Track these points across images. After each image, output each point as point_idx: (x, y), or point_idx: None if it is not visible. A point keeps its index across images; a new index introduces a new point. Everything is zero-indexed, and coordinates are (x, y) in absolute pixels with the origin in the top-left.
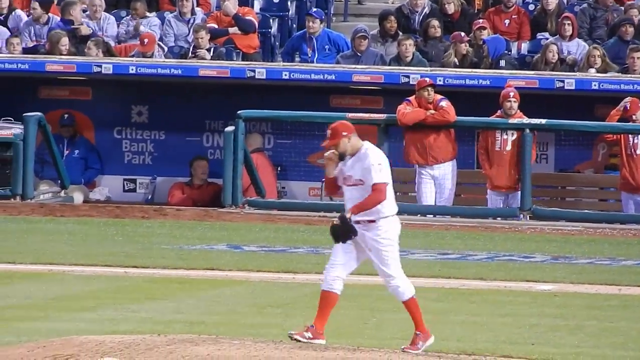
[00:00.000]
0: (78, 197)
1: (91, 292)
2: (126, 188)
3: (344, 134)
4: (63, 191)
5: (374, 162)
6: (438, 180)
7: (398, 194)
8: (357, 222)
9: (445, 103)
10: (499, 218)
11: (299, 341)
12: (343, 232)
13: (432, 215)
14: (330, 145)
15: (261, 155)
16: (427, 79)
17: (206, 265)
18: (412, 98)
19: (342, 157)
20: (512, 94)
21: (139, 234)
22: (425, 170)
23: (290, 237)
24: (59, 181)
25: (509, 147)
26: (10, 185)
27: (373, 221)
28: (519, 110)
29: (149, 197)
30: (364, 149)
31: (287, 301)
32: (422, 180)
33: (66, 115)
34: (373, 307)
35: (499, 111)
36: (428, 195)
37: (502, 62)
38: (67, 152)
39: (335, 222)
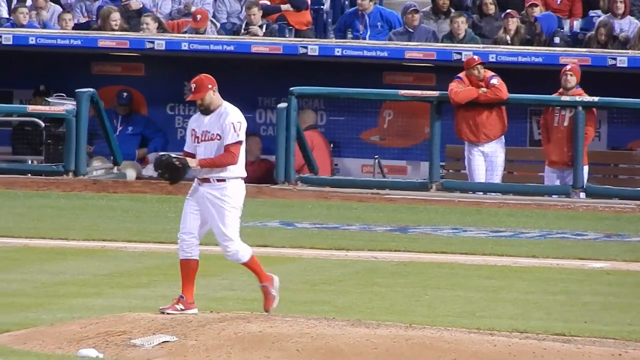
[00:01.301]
0: (131, 174)
1: (144, 269)
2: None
3: (210, 86)
4: (116, 167)
5: (234, 120)
6: (489, 157)
7: (450, 171)
8: (207, 180)
9: (496, 80)
10: (554, 196)
11: (172, 314)
12: (174, 174)
13: (482, 193)
14: (196, 99)
15: (315, 133)
16: (476, 57)
17: (259, 242)
18: (462, 75)
19: (206, 110)
20: (569, 67)
21: None
22: (476, 148)
23: (343, 214)
24: (112, 157)
25: (566, 123)
26: (63, 161)
27: (223, 180)
28: (579, 88)
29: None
30: (224, 107)
31: (339, 278)
32: (473, 158)
33: (125, 94)
34: (425, 285)
35: (560, 89)
36: (479, 172)
37: (557, 39)
38: (121, 128)
39: (174, 161)
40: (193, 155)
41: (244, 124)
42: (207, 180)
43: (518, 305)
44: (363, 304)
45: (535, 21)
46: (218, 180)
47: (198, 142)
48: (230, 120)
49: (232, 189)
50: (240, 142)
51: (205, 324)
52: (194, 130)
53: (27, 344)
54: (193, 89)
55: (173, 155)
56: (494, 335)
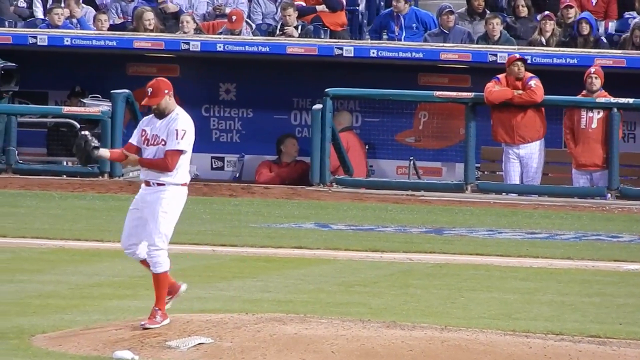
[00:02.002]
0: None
1: (179, 271)
2: (214, 166)
3: (166, 91)
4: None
5: (179, 127)
6: (524, 160)
7: (485, 172)
8: (148, 183)
9: (534, 82)
10: (597, 198)
11: (151, 328)
12: (88, 157)
13: (515, 194)
14: (152, 104)
15: (351, 134)
16: (518, 54)
17: (294, 244)
18: (501, 76)
19: (160, 115)
20: (593, 70)
21: (226, 212)
22: (511, 149)
23: (378, 216)
24: None
25: (594, 125)
26: (98, 163)
27: (162, 184)
28: (603, 90)
29: (237, 175)
30: (175, 113)
31: (374, 280)
32: (507, 159)
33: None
34: (461, 287)
35: (584, 91)
36: (513, 174)
37: (604, 39)
38: None
39: (91, 149)
40: (137, 148)
41: (190, 133)
42: (148, 183)
43: (553, 307)
44: (398, 306)
45: (583, 21)
46: (158, 184)
47: (147, 145)
48: (175, 127)
49: (171, 193)
50: (179, 151)
51: (241, 325)
52: (144, 131)
53: (62, 345)
54: (149, 94)
55: (94, 143)
56: (529, 337)
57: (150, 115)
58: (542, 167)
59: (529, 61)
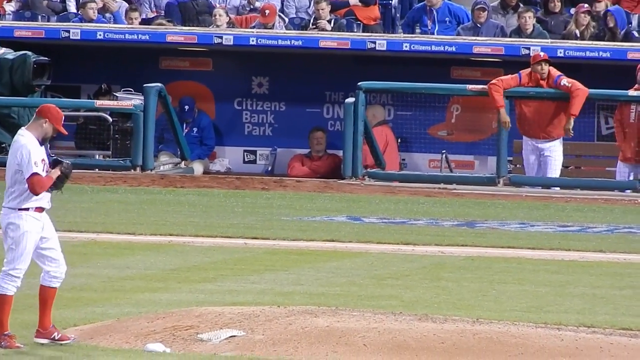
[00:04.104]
0: (198, 169)
1: (211, 264)
2: (246, 159)
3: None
4: (183, 162)
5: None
6: (544, 155)
7: (517, 165)
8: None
9: (566, 81)
10: (627, 191)
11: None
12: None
13: (540, 187)
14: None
15: (387, 128)
16: (542, 54)
17: (326, 237)
18: (524, 73)
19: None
20: None
21: (259, 206)
22: (532, 143)
23: (410, 209)
24: (179, 152)
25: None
26: (130, 156)
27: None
28: None
29: (269, 168)
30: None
31: (406, 273)
32: (525, 153)
33: (186, 107)
34: (492, 279)
35: (636, 85)
36: (528, 168)
37: (636, 34)
38: (187, 130)
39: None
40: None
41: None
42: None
43: (585, 300)
44: (430, 299)
45: (608, 14)
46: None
47: (47, 172)
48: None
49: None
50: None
51: (273, 318)
52: (44, 160)
53: (94, 338)
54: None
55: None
56: (561, 329)
57: (37, 143)
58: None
59: (561, 55)
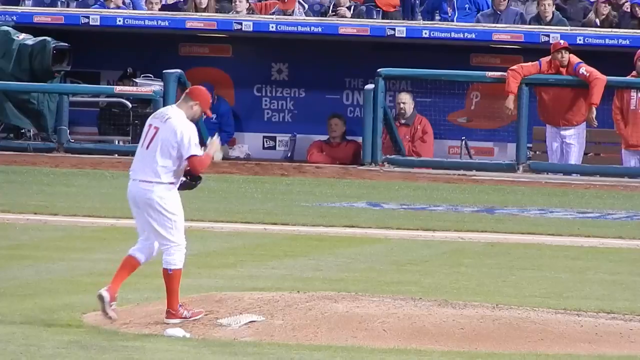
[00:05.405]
0: (217, 155)
1: (231, 249)
2: (266, 146)
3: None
4: (202, 148)
5: None
6: (566, 142)
7: (537, 152)
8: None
9: (585, 70)
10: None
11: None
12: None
13: (561, 174)
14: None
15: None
16: (562, 42)
17: (345, 223)
18: (544, 61)
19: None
20: None
21: (278, 192)
22: (554, 130)
23: (430, 195)
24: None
25: None
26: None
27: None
28: None
29: (289, 154)
30: None
31: (425, 259)
32: (548, 140)
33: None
34: (512, 266)
35: (634, 71)
36: (552, 156)
37: None
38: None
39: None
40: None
41: None
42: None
43: (604, 286)
44: (449, 285)
45: (625, 2)
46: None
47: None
48: None
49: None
50: None
51: (292, 304)
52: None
53: (114, 323)
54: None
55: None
56: (581, 315)
57: None
58: (584, 149)
59: (580, 42)
